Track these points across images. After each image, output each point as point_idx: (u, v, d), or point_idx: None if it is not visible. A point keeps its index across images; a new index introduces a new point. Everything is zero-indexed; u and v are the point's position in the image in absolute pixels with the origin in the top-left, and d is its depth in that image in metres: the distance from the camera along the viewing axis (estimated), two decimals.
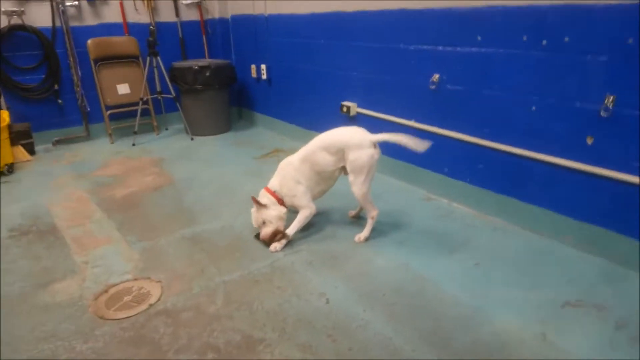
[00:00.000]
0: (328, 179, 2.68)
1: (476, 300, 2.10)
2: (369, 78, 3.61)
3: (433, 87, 3.05)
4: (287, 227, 2.64)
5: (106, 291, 2.27)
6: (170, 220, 3.01)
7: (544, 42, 2.40)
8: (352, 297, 2.15)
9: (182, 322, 2.03)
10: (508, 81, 2.63)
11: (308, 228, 2.78)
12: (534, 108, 2.53)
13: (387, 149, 3.60)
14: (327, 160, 2.60)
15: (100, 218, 3.07)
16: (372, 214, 2.67)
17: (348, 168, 2.58)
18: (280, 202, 2.65)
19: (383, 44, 3.38)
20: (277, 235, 2.60)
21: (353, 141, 2.56)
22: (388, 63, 3.39)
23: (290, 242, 2.63)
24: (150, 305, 2.15)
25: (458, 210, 3.03)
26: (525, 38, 2.49)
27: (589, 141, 2.32)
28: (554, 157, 2.48)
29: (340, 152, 2.58)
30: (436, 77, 3.02)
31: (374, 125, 3.65)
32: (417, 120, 3.27)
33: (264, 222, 2.60)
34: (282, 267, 2.43)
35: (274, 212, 2.60)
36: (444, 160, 3.15)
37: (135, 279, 2.37)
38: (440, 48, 2.96)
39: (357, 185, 2.57)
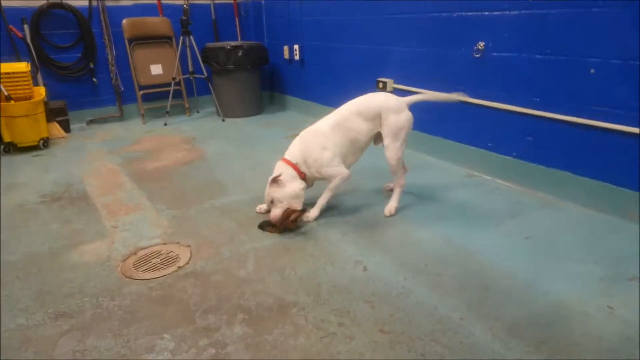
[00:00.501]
0: (360, 149, 2.50)
1: (528, 273, 1.91)
2: (407, 52, 3.44)
3: (478, 55, 2.87)
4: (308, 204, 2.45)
5: (135, 253, 2.20)
6: (200, 192, 2.93)
7: None
8: (392, 266, 2.00)
9: (212, 284, 1.93)
10: (563, 44, 2.42)
11: (339, 200, 2.65)
12: (592, 71, 2.31)
13: (422, 125, 3.45)
14: (362, 127, 2.43)
15: (130, 188, 3.02)
16: (400, 182, 2.52)
17: (385, 132, 2.43)
18: (302, 175, 2.39)
19: (423, 13, 3.21)
20: (290, 216, 2.28)
21: (390, 104, 2.43)
22: (427, 34, 3.22)
23: (321, 213, 2.50)
24: (179, 267, 2.07)
25: (503, 186, 2.83)
26: None
27: None
28: (615, 125, 2.26)
29: (377, 118, 2.43)
30: (481, 44, 2.83)
31: None
32: (458, 93, 3.08)
33: (272, 202, 2.31)
34: (315, 236, 2.30)
35: (289, 189, 2.31)
36: (487, 134, 2.95)
37: (164, 244, 2.29)
38: (487, 13, 2.77)
39: (393, 150, 2.43)
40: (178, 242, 2.30)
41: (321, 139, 2.41)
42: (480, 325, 1.61)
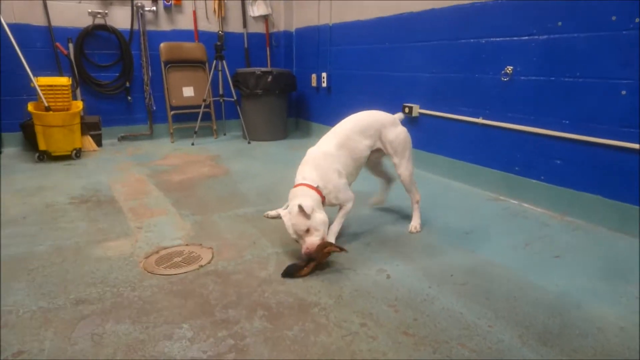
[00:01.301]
0: (360, 167, 2.38)
1: (559, 287, 1.84)
2: (433, 77, 3.50)
3: (505, 79, 2.89)
4: None
5: (157, 252, 2.21)
6: (224, 202, 2.96)
7: (638, 19, 2.21)
8: (416, 275, 1.95)
9: (232, 282, 1.91)
10: (591, 66, 2.43)
11: (357, 216, 2.64)
12: (624, 92, 2.30)
13: (447, 149, 3.45)
14: (363, 145, 2.31)
15: (156, 195, 3.07)
16: (416, 198, 2.49)
17: (391, 149, 2.39)
18: (323, 200, 2.14)
19: (451, 40, 3.29)
20: (325, 247, 1.98)
21: (388, 120, 2.44)
22: (455, 60, 3.28)
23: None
24: (201, 266, 2.06)
25: (530, 210, 2.77)
26: (614, 18, 2.31)
27: None
28: None
29: (376, 134, 2.37)
30: (509, 69, 2.87)
31: (437, 126, 3.52)
32: (484, 117, 3.09)
33: (307, 230, 1.99)
34: (338, 244, 2.27)
35: (322, 215, 2.04)
36: (514, 158, 2.93)
37: (187, 245, 2.29)
38: (516, 38, 2.82)
39: (403, 166, 2.40)
40: (200, 244, 2.30)
41: (333, 162, 2.21)
42: (509, 332, 1.54)
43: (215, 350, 1.46)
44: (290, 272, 1.95)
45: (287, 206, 2.11)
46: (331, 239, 2.15)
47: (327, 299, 1.77)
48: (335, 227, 2.21)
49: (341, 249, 2.04)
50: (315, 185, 2.09)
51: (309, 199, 2.01)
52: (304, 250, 1.98)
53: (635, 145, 2.27)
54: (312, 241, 1.97)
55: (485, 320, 1.61)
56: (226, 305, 1.73)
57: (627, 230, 2.34)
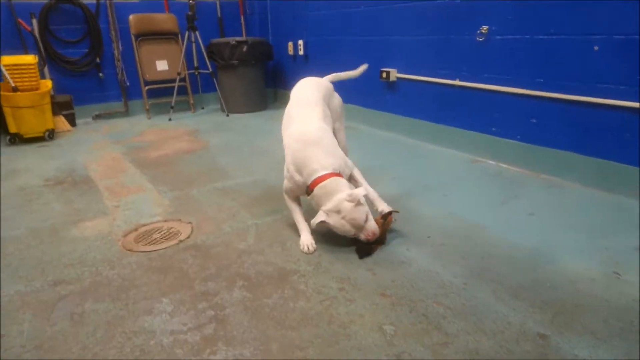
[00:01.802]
0: None
1: (533, 244, 1.88)
2: (409, 40, 3.45)
3: (481, 39, 2.86)
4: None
5: (136, 229, 2.19)
6: (203, 176, 2.93)
7: None
8: (394, 238, 1.98)
9: (212, 255, 1.91)
10: (565, 22, 2.41)
11: None
12: (596, 48, 2.30)
13: (424, 113, 3.45)
14: (328, 110, 2.19)
15: (133, 173, 3.03)
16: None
17: (335, 115, 2.27)
18: None
19: (426, 1, 3.22)
20: (383, 224, 1.91)
21: (331, 85, 2.40)
22: (430, 22, 3.22)
23: None
24: (180, 241, 2.05)
25: (508, 170, 2.80)
26: None
27: None
28: (618, 101, 2.24)
29: (327, 100, 2.27)
30: (485, 28, 2.83)
31: (415, 89, 3.49)
32: (461, 79, 3.08)
33: (366, 218, 1.80)
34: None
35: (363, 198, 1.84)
36: (491, 118, 2.93)
37: (165, 221, 2.28)
38: None
39: (342, 131, 2.36)
40: (179, 219, 2.29)
41: (330, 134, 2.04)
42: (483, 289, 1.58)
43: (195, 321, 1.47)
44: (367, 252, 1.84)
45: (320, 207, 1.82)
46: (382, 205, 1.98)
47: (306, 266, 1.79)
48: (373, 193, 2.02)
49: (393, 211, 1.96)
50: (338, 171, 1.88)
51: (347, 188, 1.80)
52: (368, 237, 1.81)
53: (609, 101, 2.29)
54: (372, 226, 1.81)
55: (460, 279, 1.65)
56: (206, 278, 1.74)
57: (601, 185, 2.39)
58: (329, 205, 1.77)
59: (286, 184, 2.02)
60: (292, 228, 2.12)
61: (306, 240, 1.93)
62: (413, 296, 1.56)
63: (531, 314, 1.44)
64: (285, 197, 2.08)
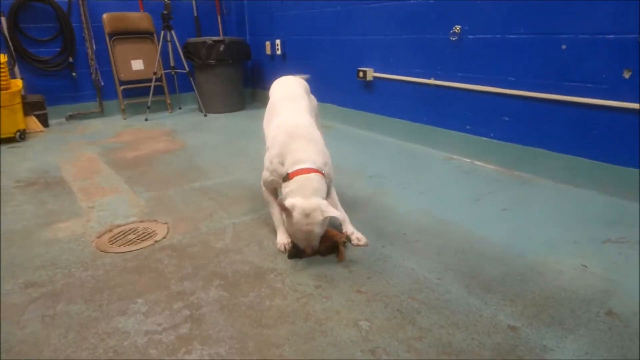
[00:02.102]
0: None
1: (504, 239, 1.93)
2: (385, 40, 3.48)
3: (454, 38, 2.92)
4: None
5: (110, 230, 2.16)
6: (180, 176, 2.90)
7: None
8: (370, 236, 1.99)
9: (188, 254, 1.90)
10: (535, 23, 2.47)
11: None
12: (564, 47, 2.37)
13: (399, 112, 3.49)
14: (311, 108, 2.17)
15: (108, 173, 2.98)
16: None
17: (313, 113, 2.22)
18: None
19: (401, 1, 3.26)
20: (330, 238, 1.84)
21: (307, 84, 2.41)
22: (406, 22, 3.27)
23: None
24: (156, 241, 2.03)
25: (482, 167, 2.86)
26: None
27: (627, 75, 2.15)
28: (588, 99, 2.31)
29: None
30: (457, 28, 2.88)
31: (391, 88, 3.53)
32: (436, 78, 3.13)
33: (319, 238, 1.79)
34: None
35: (336, 213, 1.77)
36: (465, 117, 2.99)
37: (141, 221, 2.25)
38: None
39: (319, 129, 2.23)
40: (155, 220, 2.26)
41: (317, 130, 1.99)
42: (456, 283, 1.61)
43: (170, 321, 1.46)
44: (299, 256, 1.83)
45: (287, 194, 1.75)
46: (351, 228, 1.95)
47: (283, 265, 1.79)
48: (344, 215, 1.96)
49: (357, 245, 1.88)
50: (322, 171, 1.79)
51: (324, 197, 1.74)
52: (306, 250, 1.79)
53: (578, 99, 2.36)
54: (316, 246, 1.80)
55: (434, 274, 1.68)
56: (182, 278, 1.72)
57: (572, 181, 2.46)
58: (302, 203, 1.68)
59: (266, 175, 1.95)
60: (269, 227, 2.12)
61: (282, 239, 1.92)
62: (388, 292, 1.58)
63: (502, 306, 1.48)
64: (263, 189, 2.03)
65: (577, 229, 1.99)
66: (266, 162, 1.95)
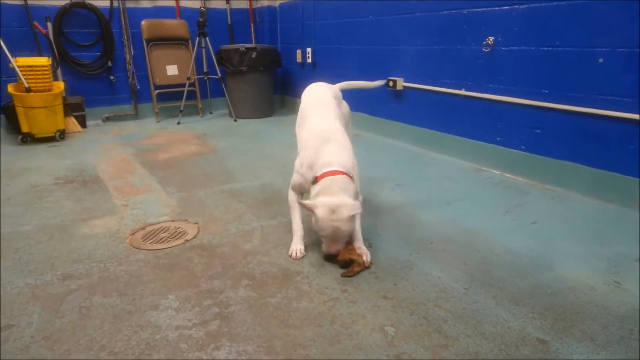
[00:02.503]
0: None
1: (534, 252, 1.90)
2: (416, 50, 3.50)
3: (487, 50, 2.90)
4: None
5: (143, 228, 2.23)
6: (210, 178, 2.97)
7: None
8: (396, 243, 2.00)
9: (217, 254, 1.95)
10: (571, 35, 2.45)
11: None
12: (601, 60, 2.33)
13: (428, 122, 3.48)
14: (341, 114, 2.16)
15: (142, 174, 3.08)
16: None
17: (344, 120, 2.21)
18: None
19: (433, 12, 3.27)
20: (352, 256, 1.81)
21: (339, 91, 2.41)
22: (437, 32, 3.27)
23: None
24: (186, 240, 2.09)
25: (511, 180, 2.82)
26: None
27: None
28: (625, 113, 2.27)
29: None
30: (490, 39, 2.87)
31: (420, 98, 3.54)
32: (467, 89, 3.11)
33: (347, 236, 1.80)
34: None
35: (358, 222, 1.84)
36: (495, 128, 2.96)
37: (173, 221, 2.32)
38: (497, 8, 2.82)
39: (350, 137, 2.25)
40: (186, 220, 2.33)
41: (347, 137, 1.99)
42: (484, 294, 1.60)
43: (200, 318, 1.50)
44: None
45: (314, 196, 1.76)
46: (358, 243, 1.90)
47: (309, 268, 1.82)
48: (358, 227, 1.92)
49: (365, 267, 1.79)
50: (350, 173, 1.80)
51: (353, 197, 1.74)
52: (329, 250, 1.80)
53: (613, 113, 2.31)
54: (341, 247, 1.80)
55: (461, 284, 1.67)
56: (211, 277, 1.77)
57: (603, 196, 2.41)
58: (329, 200, 1.70)
59: (296, 178, 1.97)
60: None
61: (296, 246, 1.92)
62: (414, 299, 1.58)
63: (531, 319, 1.46)
64: (290, 193, 2.03)
65: (610, 245, 1.95)
66: (296, 165, 1.98)
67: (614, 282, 1.66)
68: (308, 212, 1.80)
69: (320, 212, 1.70)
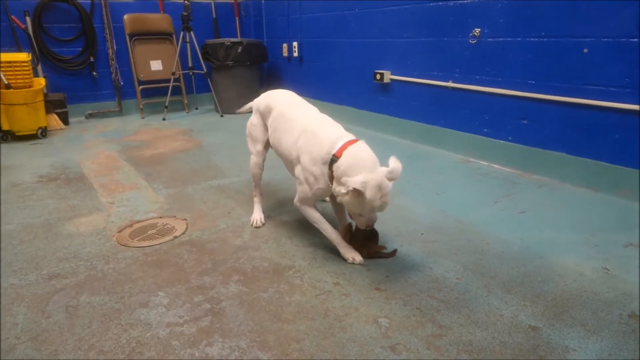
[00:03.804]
0: None
1: (524, 241, 1.91)
2: (403, 42, 3.49)
3: (473, 41, 2.91)
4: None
5: (131, 225, 2.19)
6: (197, 174, 2.93)
7: None
8: (388, 235, 2.00)
9: (207, 250, 1.92)
10: (556, 26, 2.46)
11: None
12: (586, 50, 2.35)
13: (416, 114, 3.49)
14: None
15: (127, 170, 3.03)
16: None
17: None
18: None
19: (420, 3, 3.27)
20: (375, 248, 1.85)
21: None
22: (423, 24, 3.27)
23: None
24: (175, 237, 2.06)
25: (500, 170, 2.84)
26: None
27: None
28: (610, 102, 2.29)
29: None
30: (477, 31, 2.88)
31: (408, 91, 3.53)
32: (454, 81, 3.12)
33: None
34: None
35: None
36: (483, 120, 2.98)
37: (160, 217, 2.28)
38: (483, 0, 2.82)
39: None
40: (174, 216, 2.29)
41: None
42: (475, 283, 1.61)
43: (191, 314, 1.48)
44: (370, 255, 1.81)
45: (343, 173, 1.59)
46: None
47: (301, 262, 1.80)
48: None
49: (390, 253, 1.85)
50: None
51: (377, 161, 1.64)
52: (368, 224, 1.69)
53: (599, 102, 2.34)
54: (376, 217, 1.70)
55: (453, 274, 1.67)
56: (201, 273, 1.74)
57: (591, 185, 2.44)
58: (372, 178, 1.54)
59: (305, 190, 1.79)
60: (286, 226, 2.14)
61: (352, 254, 1.79)
62: (407, 290, 1.58)
63: (522, 307, 1.47)
64: (304, 209, 1.86)
65: (597, 232, 1.97)
66: (301, 177, 1.78)
67: (602, 268, 1.68)
68: (341, 197, 1.61)
69: (371, 193, 1.53)
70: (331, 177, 1.67)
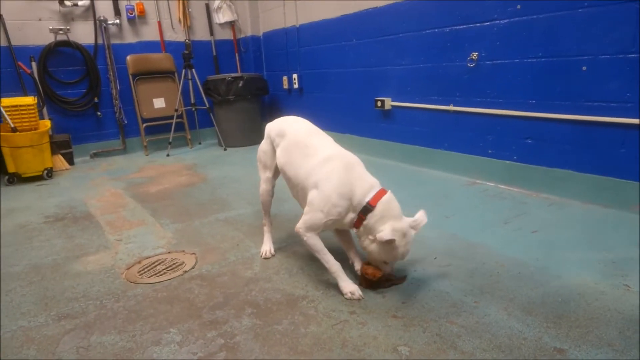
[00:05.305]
0: None
1: (539, 261, 1.88)
2: (402, 69, 3.55)
3: (472, 65, 2.96)
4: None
5: (139, 262, 2.17)
6: (204, 208, 2.93)
7: None
8: (400, 262, 1.96)
9: (218, 284, 1.89)
10: (553, 45, 2.50)
11: None
12: (584, 68, 2.38)
13: (419, 139, 3.51)
14: None
15: (133, 207, 3.02)
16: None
17: None
18: None
19: (416, 31, 3.34)
20: (389, 277, 1.80)
21: None
22: (422, 51, 3.33)
23: None
24: (185, 272, 2.03)
25: (507, 191, 2.83)
26: None
27: None
28: (612, 117, 2.30)
29: None
30: (475, 54, 2.93)
31: (410, 117, 3.57)
32: (455, 104, 3.15)
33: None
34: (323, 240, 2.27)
35: None
36: (487, 141, 2.99)
37: (169, 252, 2.26)
38: (478, 24, 2.88)
39: None
40: (183, 251, 2.27)
41: None
42: (494, 306, 1.57)
43: (205, 350, 1.44)
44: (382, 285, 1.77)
45: (376, 223, 1.65)
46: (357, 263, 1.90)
47: (314, 292, 1.77)
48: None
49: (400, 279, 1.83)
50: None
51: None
52: (388, 271, 1.74)
53: (601, 118, 2.35)
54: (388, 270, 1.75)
55: (471, 297, 1.64)
56: (213, 307, 1.71)
57: (600, 201, 2.42)
58: (399, 226, 1.62)
59: (319, 218, 1.72)
60: (296, 256, 2.11)
61: (351, 287, 1.73)
62: (425, 316, 1.54)
63: (545, 328, 1.43)
64: (309, 237, 1.77)
65: (613, 249, 1.94)
66: (319, 203, 1.72)
67: (623, 285, 1.64)
68: (367, 244, 1.69)
69: (399, 242, 1.61)
70: (357, 223, 1.71)
